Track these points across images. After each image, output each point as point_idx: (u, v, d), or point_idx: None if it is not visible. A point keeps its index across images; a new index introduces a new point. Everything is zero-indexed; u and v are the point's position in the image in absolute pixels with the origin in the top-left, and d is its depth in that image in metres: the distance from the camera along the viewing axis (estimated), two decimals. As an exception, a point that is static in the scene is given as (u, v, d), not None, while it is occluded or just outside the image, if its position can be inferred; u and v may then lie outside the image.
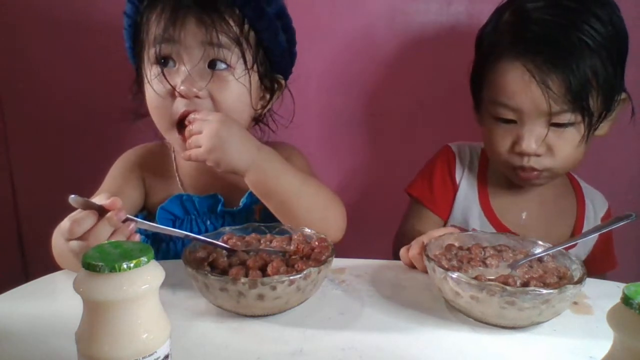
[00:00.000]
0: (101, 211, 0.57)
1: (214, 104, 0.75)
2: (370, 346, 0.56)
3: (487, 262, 0.66)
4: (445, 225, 0.94)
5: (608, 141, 0.91)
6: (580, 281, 0.58)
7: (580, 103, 0.75)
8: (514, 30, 0.80)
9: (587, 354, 0.55)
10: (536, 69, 0.75)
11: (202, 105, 0.74)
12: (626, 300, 0.37)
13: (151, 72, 0.75)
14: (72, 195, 0.55)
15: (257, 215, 0.85)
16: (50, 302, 0.64)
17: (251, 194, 0.82)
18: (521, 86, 0.77)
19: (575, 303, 0.66)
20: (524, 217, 0.91)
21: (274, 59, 0.82)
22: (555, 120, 0.78)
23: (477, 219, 0.91)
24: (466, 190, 0.93)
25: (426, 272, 0.71)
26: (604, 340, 0.41)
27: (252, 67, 0.77)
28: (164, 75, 0.73)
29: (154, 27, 0.74)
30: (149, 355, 0.41)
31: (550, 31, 0.76)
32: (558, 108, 0.76)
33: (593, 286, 0.69)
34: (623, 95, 0.82)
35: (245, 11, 0.76)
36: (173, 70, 0.74)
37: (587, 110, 0.76)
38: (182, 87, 0.72)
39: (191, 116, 0.72)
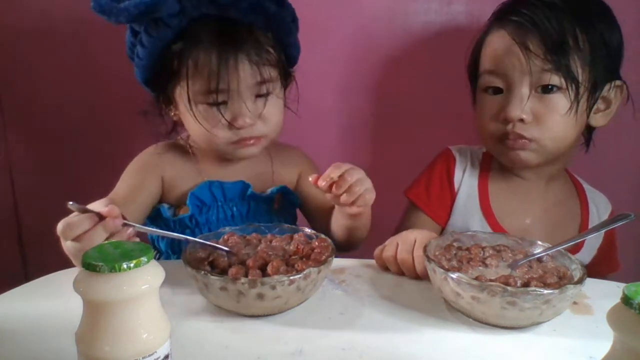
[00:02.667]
0: (99, 217, 0.58)
1: (266, 124, 0.81)
2: (370, 346, 0.56)
3: (487, 262, 0.66)
4: (442, 231, 0.94)
5: (608, 141, 0.91)
6: (580, 281, 0.58)
7: (559, 62, 0.77)
8: (502, 10, 0.86)
9: (587, 354, 0.55)
10: (516, 31, 0.80)
11: (256, 129, 0.80)
12: (626, 300, 0.37)
13: (197, 108, 0.78)
14: (71, 202, 0.56)
15: (276, 203, 0.89)
16: (50, 302, 0.64)
17: (280, 187, 0.89)
18: (503, 49, 0.81)
19: (575, 303, 0.66)
20: (528, 222, 0.90)
21: (292, 58, 0.88)
22: (538, 82, 0.79)
23: (478, 224, 0.90)
24: (466, 194, 0.92)
25: (399, 274, 0.73)
26: (604, 340, 0.41)
27: (285, 80, 0.85)
28: (222, 115, 0.77)
29: (201, 72, 0.75)
30: (149, 355, 0.41)
31: (536, 8, 0.80)
32: (538, 67, 0.78)
33: (593, 286, 0.69)
34: (618, 82, 0.83)
35: (277, 33, 0.81)
36: (224, 107, 0.78)
37: (568, 71, 0.78)
38: (239, 122, 0.78)
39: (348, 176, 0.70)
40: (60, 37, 1.11)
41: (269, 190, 0.89)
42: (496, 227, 0.89)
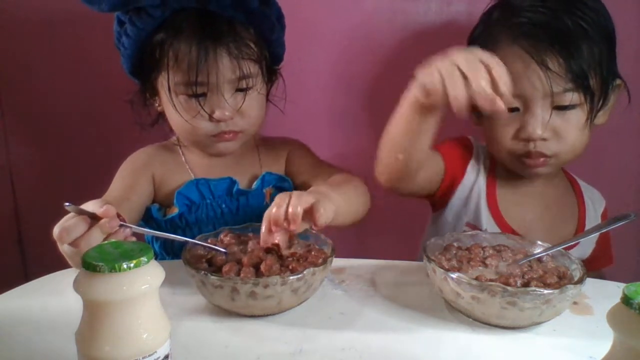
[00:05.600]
0: (95, 218, 0.58)
1: (244, 118, 0.81)
2: (370, 346, 0.56)
3: (487, 262, 0.66)
4: (438, 215, 0.92)
5: (607, 140, 0.91)
6: (580, 281, 0.58)
7: (581, 81, 0.76)
8: (506, 20, 0.81)
9: (587, 354, 0.55)
10: (534, 50, 0.76)
11: (235, 123, 0.80)
12: (626, 300, 0.37)
13: (177, 98, 0.78)
14: (67, 203, 0.56)
15: (267, 198, 0.89)
16: (50, 302, 0.64)
17: (262, 178, 0.88)
18: (521, 69, 0.77)
19: (575, 303, 0.66)
20: (529, 219, 0.90)
21: (276, 56, 0.87)
22: (558, 101, 0.78)
23: (486, 220, 0.90)
24: (477, 188, 0.91)
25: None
26: (604, 340, 0.41)
27: (268, 76, 0.84)
28: (201, 106, 0.78)
29: (181, 64, 0.76)
30: (149, 355, 0.41)
31: (543, 16, 0.78)
32: (560, 88, 0.76)
33: (593, 286, 0.69)
34: (618, 82, 0.83)
35: (259, 29, 0.81)
36: (204, 99, 0.78)
37: (588, 89, 0.77)
38: (217, 114, 0.78)
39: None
40: (61, 37, 1.11)
41: (254, 184, 0.89)
42: (502, 223, 0.89)
